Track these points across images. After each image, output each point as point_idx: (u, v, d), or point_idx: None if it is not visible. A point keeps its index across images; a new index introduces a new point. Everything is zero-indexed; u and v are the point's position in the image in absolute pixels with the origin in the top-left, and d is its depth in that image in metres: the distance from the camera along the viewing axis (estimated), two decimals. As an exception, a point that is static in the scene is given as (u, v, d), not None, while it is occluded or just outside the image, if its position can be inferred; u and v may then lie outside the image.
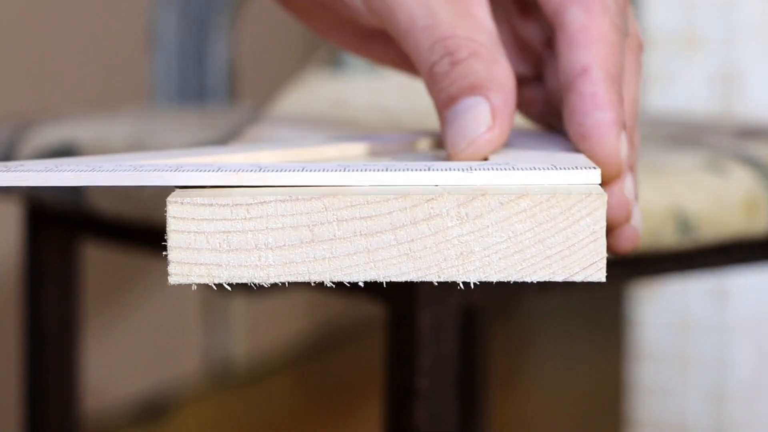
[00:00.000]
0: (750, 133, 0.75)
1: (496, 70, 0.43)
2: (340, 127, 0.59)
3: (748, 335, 1.22)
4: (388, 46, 0.50)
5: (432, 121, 0.61)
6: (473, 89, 0.42)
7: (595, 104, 0.43)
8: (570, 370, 1.93)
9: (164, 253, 0.35)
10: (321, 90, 0.76)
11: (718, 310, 1.22)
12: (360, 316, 2.03)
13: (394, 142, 0.46)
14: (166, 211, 0.35)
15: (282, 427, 1.63)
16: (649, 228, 0.60)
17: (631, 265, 0.63)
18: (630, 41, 0.46)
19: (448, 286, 0.57)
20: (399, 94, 0.75)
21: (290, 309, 1.93)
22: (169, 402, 1.68)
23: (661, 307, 1.24)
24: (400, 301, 0.58)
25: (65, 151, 0.73)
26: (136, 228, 0.73)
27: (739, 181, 0.63)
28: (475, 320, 1.04)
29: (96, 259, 1.39)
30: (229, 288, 0.36)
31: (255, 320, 1.87)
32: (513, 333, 2.14)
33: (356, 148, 0.45)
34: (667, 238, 0.61)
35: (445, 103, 0.43)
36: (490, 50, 0.43)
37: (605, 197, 0.35)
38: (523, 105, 0.49)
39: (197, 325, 1.77)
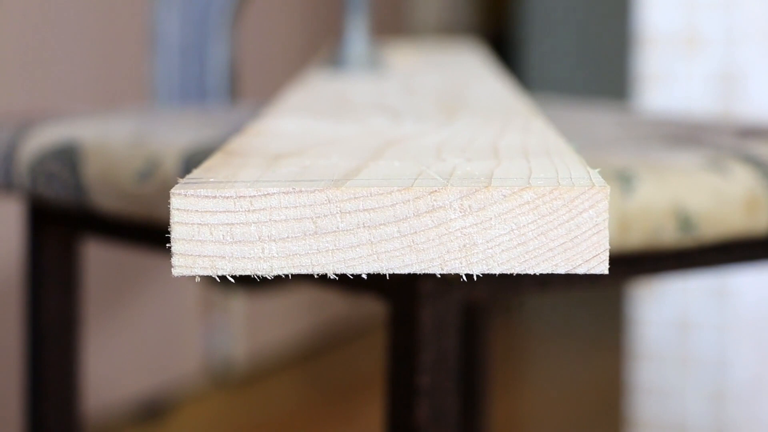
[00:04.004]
0: (751, 132, 0.75)
1: None
2: (342, 122, 0.59)
3: (748, 335, 1.22)
4: None
5: (432, 122, 0.61)
6: None
7: None
8: (570, 369, 1.93)
9: (168, 245, 0.35)
10: (322, 89, 0.77)
11: (719, 309, 1.22)
12: (360, 316, 2.03)
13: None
14: (170, 204, 0.35)
15: (282, 427, 1.63)
16: (650, 226, 0.60)
17: (632, 263, 0.63)
18: None
19: (450, 283, 0.57)
20: (400, 94, 0.75)
21: (290, 309, 1.93)
22: (169, 402, 1.68)
23: (661, 306, 1.24)
24: (402, 298, 0.58)
25: (66, 150, 0.72)
26: (137, 226, 0.73)
27: (740, 180, 0.63)
28: (476, 318, 1.04)
29: (97, 259, 1.39)
30: (232, 280, 0.36)
31: (255, 320, 1.87)
32: (514, 332, 2.14)
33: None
34: (668, 236, 0.61)
35: None
36: None
37: (608, 189, 0.35)
38: None
39: (197, 325, 1.77)
